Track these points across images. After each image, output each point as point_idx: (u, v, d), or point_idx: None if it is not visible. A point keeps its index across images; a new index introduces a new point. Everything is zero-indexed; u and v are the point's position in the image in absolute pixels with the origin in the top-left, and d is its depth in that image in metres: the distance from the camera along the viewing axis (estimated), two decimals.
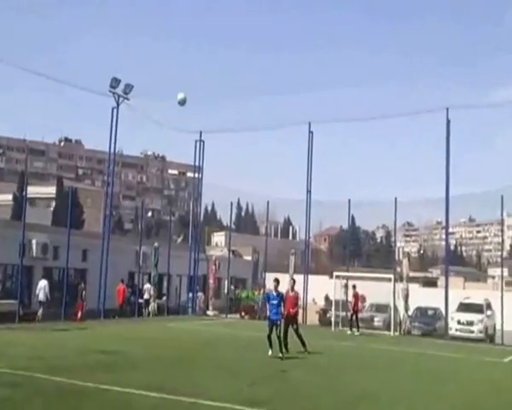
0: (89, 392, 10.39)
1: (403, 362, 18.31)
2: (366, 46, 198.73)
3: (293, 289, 17.79)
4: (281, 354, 15.96)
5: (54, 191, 69.47)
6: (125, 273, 33.73)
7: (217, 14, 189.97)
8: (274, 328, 16.32)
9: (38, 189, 66.06)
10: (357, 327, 26.73)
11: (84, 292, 28.60)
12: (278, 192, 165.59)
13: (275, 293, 16.83)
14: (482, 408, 11.72)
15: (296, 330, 17.41)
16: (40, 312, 25.71)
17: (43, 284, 26.34)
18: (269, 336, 16.25)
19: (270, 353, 16.17)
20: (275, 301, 16.51)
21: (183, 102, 14.17)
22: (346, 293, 29.95)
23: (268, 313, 16.89)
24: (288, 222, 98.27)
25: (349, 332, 26.63)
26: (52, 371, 12.05)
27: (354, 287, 27.52)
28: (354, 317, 26.77)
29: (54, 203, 64.78)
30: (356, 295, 27.14)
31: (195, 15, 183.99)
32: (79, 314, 27.71)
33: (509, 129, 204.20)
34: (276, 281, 17.08)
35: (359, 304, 31.45)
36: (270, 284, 36.61)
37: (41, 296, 25.91)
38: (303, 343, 17.46)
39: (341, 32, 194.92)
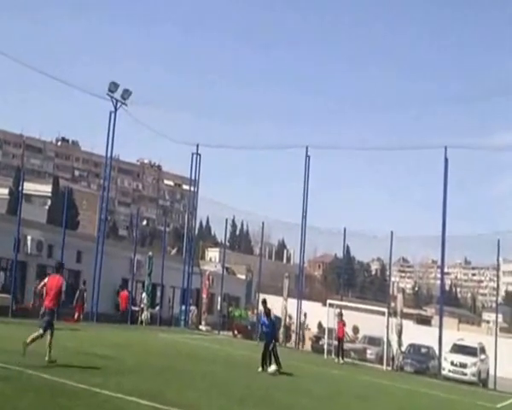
0: (80, 393, 10.34)
1: (396, 397, 18.28)
2: (368, 76, 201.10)
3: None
4: (260, 369, 16.93)
5: (50, 190, 69.60)
6: (119, 279, 33.85)
7: (220, 32, 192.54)
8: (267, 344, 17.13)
9: (35, 186, 66.07)
10: (342, 356, 26.78)
11: (85, 294, 29.02)
12: (274, 214, 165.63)
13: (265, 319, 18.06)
14: None
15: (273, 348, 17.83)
16: None
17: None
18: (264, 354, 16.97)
19: (272, 368, 16.87)
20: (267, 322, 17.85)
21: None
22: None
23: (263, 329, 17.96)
24: (282, 245, 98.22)
25: (338, 361, 26.59)
26: (44, 368, 12.01)
27: (341, 315, 27.53)
28: (340, 345, 26.86)
29: (49, 202, 64.81)
30: (342, 323, 27.17)
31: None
32: (77, 315, 28.06)
33: (507, 173, 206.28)
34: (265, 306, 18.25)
35: (351, 334, 31.48)
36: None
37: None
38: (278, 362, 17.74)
39: (346, 61, 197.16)
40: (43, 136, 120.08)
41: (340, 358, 26.68)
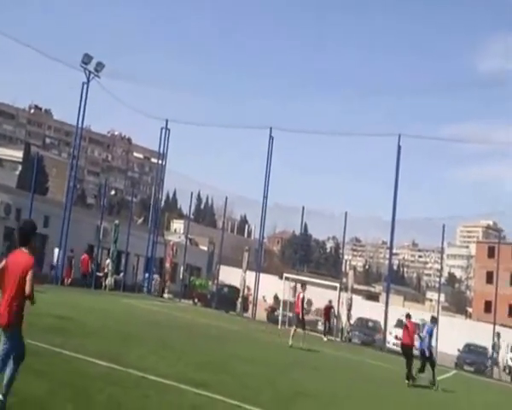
0: (41, 352, 10.13)
1: (344, 367, 18.53)
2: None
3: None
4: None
5: (21, 155, 67.86)
6: (85, 245, 33.28)
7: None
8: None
9: (6, 151, 64.40)
10: (325, 334, 28.22)
11: (73, 260, 29.93)
12: (238, 190, 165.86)
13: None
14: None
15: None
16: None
17: (57, 251, 29.19)
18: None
19: None
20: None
21: None
22: (294, 295, 30.31)
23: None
24: (244, 220, 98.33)
25: (326, 338, 27.66)
26: None
27: (330, 301, 29.45)
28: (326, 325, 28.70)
29: (20, 167, 63.23)
30: (329, 307, 29.19)
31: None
32: (66, 280, 29.13)
33: (455, 163, 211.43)
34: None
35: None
36: (223, 276, 36.80)
37: (55, 262, 29.12)
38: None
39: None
40: (16, 103, 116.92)
41: (326, 336, 28.04)
